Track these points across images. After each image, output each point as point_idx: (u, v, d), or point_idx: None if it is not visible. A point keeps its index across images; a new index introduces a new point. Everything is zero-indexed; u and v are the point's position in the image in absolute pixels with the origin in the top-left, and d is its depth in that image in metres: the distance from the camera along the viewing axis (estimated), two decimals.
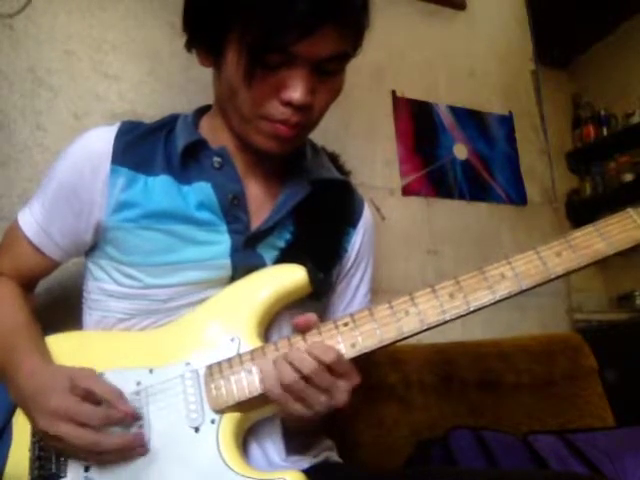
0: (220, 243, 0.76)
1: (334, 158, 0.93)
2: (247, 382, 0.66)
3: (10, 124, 1.10)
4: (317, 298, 0.80)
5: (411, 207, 1.49)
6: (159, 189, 0.77)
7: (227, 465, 0.64)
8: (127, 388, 0.68)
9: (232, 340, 0.70)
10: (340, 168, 0.92)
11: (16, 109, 1.11)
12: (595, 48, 3.58)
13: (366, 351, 0.65)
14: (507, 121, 1.70)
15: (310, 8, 0.63)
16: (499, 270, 0.66)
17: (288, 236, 0.80)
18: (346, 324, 0.67)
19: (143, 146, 0.79)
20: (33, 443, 0.69)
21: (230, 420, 0.66)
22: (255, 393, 0.66)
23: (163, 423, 0.67)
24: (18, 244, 0.82)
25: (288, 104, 0.69)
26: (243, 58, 0.67)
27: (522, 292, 0.65)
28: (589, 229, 0.66)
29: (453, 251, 1.51)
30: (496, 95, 1.71)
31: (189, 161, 0.78)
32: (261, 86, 0.69)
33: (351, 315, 0.68)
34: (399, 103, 1.55)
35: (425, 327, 0.65)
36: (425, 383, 1.21)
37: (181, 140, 0.78)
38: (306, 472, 0.65)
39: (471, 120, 1.64)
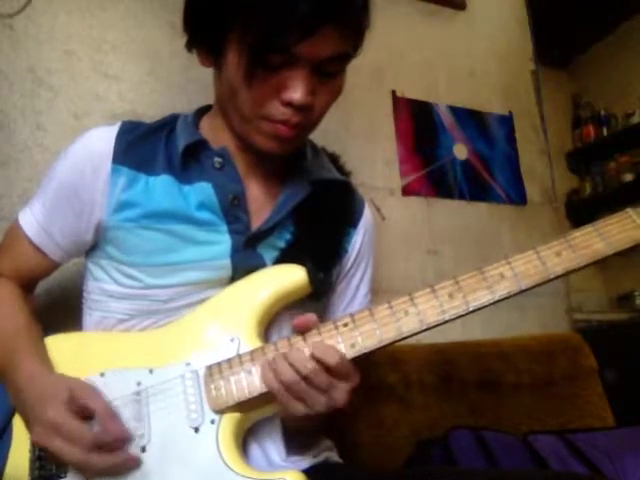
0: (220, 243, 0.76)
1: (334, 159, 0.93)
2: (247, 382, 0.66)
3: (10, 124, 1.10)
4: (317, 298, 0.80)
5: (411, 207, 1.49)
6: (160, 189, 0.77)
7: (227, 465, 0.64)
8: (127, 388, 0.69)
9: (232, 340, 0.70)
10: (340, 169, 0.92)
11: (16, 109, 1.11)
12: (595, 48, 3.58)
13: (366, 351, 0.65)
14: (507, 121, 1.70)
15: (311, 9, 0.62)
16: (498, 270, 0.66)
17: (288, 236, 0.80)
18: (346, 324, 0.67)
19: (144, 146, 0.79)
20: (33, 444, 0.68)
21: (230, 420, 0.66)
22: (255, 393, 0.66)
23: (163, 423, 0.67)
24: (19, 244, 0.82)
25: (289, 104, 0.69)
26: (244, 58, 0.67)
27: (521, 292, 0.65)
28: (588, 229, 0.66)
29: (453, 251, 1.51)
30: (496, 95, 1.71)
31: (190, 161, 0.78)
32: (262, 86, 0.69)
33: (351, 315, 0.68)
34: (399, 103, 1.55)
35: (425, 327, 0.65)
36: (425, 383, 1.21)
37: (182, 140, 0.78)
38: (306, 472, 0.65)
39: (471, 120, 1.64)
